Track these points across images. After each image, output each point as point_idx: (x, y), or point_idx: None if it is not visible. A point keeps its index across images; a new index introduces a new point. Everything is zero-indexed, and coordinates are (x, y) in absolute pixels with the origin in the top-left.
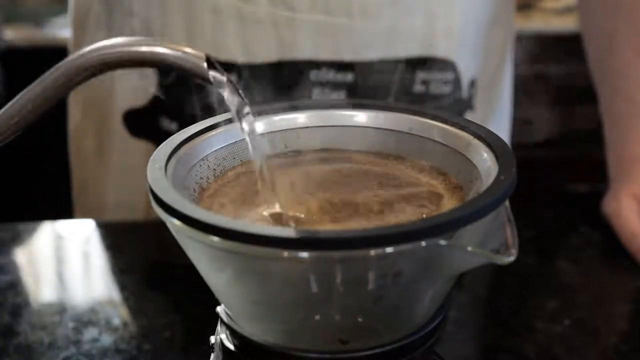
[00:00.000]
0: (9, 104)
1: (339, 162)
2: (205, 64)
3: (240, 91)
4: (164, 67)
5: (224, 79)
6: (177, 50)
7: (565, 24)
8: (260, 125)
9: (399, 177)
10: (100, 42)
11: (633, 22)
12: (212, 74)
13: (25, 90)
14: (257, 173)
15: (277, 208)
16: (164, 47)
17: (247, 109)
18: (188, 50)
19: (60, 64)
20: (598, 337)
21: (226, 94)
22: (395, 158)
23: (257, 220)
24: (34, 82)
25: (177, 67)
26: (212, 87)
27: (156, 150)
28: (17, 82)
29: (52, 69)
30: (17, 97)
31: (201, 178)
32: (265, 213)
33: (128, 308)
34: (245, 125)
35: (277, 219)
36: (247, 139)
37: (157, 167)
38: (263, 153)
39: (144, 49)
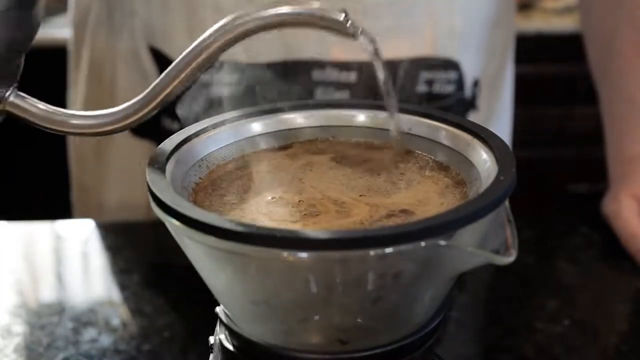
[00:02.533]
0: (170, 67)
1: (340, 153)
2: (343, 16)
3: (372, 38)
4: (303, 27)
5: (359, 28)
6: (313, 9)
7: (565, 24)
8: (259, 126)
9: (403, 169)
10: (234, 13)
11: (633, 21)
12: (349, 25)
13: (181, 57)
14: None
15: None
16: (301, 7)
17: (380, 55)
18: (323, 7)
19: (202, 38)
20: (598, 337)
21: (363, 41)
22: (400, 152)
23: (262, 207)
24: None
25: (316, 23)
26: (349, 37)
27: (155, 150)
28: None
29: (196, 43)
30: (177, 60)
31: (200, 178)
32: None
33: (127, 308)
34: (379, 67)
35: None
36: (380, 78)
37: (156, 167)
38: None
39: (277, 12)
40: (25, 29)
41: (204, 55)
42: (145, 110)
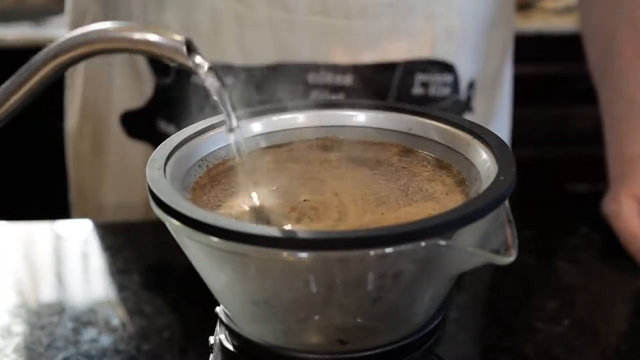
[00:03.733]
0: (4, 85)
1: (344, 152)
2: (185, 48)
3: (221, 77)
4: (143, 54)
5: (205, 64)
6: (157, 35)
7: (565, 24)
8: (259, 126)
9: (404, 168)
10: (80, 28)
11: (633, 22)
12: (195, 59)
13: (8, 81)
14: (238, 162)
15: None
16: (144, 32)
17: (227, 96)
18: (168, 35)
19: (41, 53)
20: (598, 337)
21: (207, 79)
22: (401, 150)
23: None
24: (17, 71)
25: (155, 53)
26: (193, 72)
27: (155, 150)
28: None
29: (34, 58)
30: (3, 85)
31: (199, 177)
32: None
33: (127, 308)
34: (227, 111)
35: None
36: (227, 126)
37: (156, 167)
38: (243, 143)
39: (119, 34)
40: None
41: (42, 72)
42: None
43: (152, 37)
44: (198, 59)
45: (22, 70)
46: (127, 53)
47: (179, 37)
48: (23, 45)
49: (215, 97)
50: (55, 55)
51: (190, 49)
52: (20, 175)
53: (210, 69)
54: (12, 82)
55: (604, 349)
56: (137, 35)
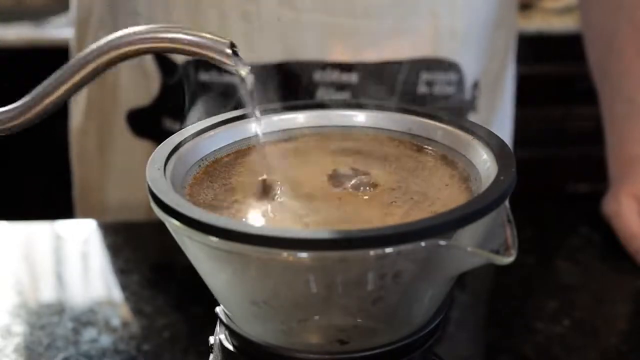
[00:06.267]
0: (35, 90)
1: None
2: (229, 50)
3: (253, 77)
4: (187, 54)
5: (247, 67)
6: (200, 37)
7: (565, 24)
8: (259, 125)
9: (410, 162)
10: (122, 30)
11: (634, 21)
12: (235, 60)
13: (64, 68)
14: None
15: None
16: (187, 34)
17: (255, 94)
18: (211, 36)
19: (80, 55)
20: (598, 337)
21: (248, 81)
22: (406, 144)
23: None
24: (57, 70)
25: (199, 53)
26: (234, 73)
27: (155, 150)
28: (16, 81)
29: (69, 63)
30: (42, 84)
31: (197, 172)
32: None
33: (127, 308)
34: (254, 105)
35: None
36: (258, 130)
37: (156, 167)
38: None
39: (166, 35)
40: None
41: (87, 70)
42: (24, 118)
43: (199, 38)
44: (240, 60)
45: (64, 70)
46: (173, 53)
47: (224, 39)
48: (23, 45)
49: (248, 93)
50: (100, 54)
51: (234, 51)
52: (21, 174)
53: (250, 69)
54: (53, 81)
55: (604, 349)
56: (183, 36)
